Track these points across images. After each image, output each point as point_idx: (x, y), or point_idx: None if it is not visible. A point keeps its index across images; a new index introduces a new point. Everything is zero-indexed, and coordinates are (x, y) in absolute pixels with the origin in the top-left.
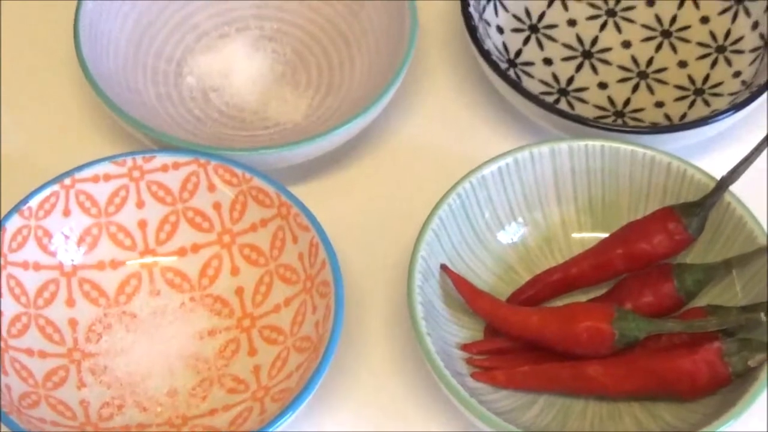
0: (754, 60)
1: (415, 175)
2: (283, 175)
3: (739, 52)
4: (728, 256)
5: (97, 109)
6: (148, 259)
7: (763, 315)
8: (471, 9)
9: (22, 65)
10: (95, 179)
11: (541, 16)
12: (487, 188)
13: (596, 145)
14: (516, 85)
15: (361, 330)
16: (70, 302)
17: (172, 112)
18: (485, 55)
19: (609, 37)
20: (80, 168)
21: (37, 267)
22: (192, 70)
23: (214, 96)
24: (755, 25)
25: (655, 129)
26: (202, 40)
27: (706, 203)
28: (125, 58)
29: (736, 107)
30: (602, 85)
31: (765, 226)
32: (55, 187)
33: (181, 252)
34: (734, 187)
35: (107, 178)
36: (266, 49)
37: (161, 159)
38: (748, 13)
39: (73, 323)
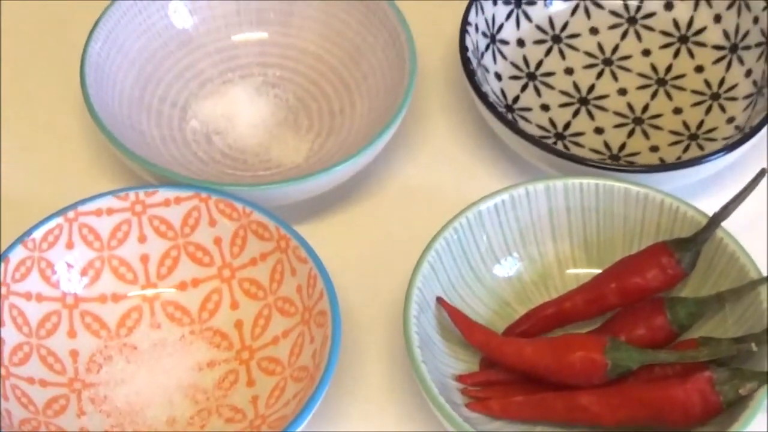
0: (747, 106)
1: (414, 214)
2: (284, 214)
3: (733, 99)
4: (721, 290)
5: (103, 148)
6: (150, 292)
7: (753, 345)
8: (470, 54)
9: (30, 103)
10: (98, 213)
11: (539, 64)
12: (483, 223)
13: (591, 183)
14: (513, 127)
15: (358, 361)
16: (72, 333)
17: (176, 154)
18: (483, 97)
19: (605, 85)
20: (83, 201)
21: (40, 298)
22: (196, 114)
23: (217, 139)
24: (748, 73)
25: (649, 168)
26: (206, 86)
27: (699, 239)
28: (130, 100)
29: (728, 148)
30: (598, 130)
31: (759, 261)
32: (59, 220)
33: (182, 286)
34: (730, 225)
35: (110, 212)
36: (269, 95)
37: (163, 194)
38: (741, 61)
39: (74, 354)
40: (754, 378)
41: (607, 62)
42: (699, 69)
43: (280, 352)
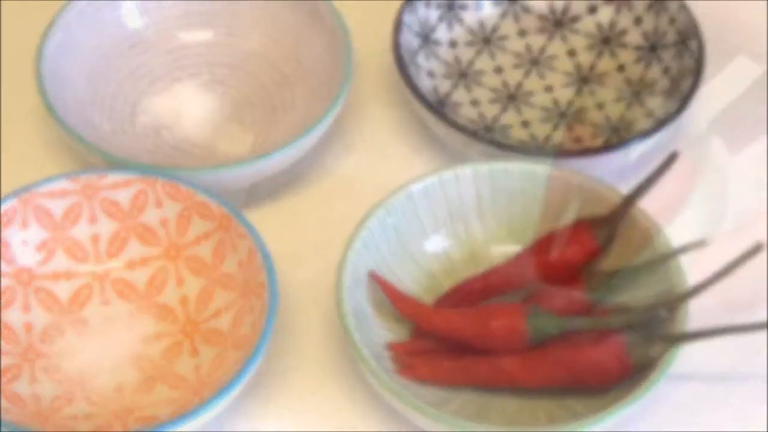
0: (665, 101)
1: (353, 199)
2: (231, 201)
3: (652, 94)
4: (636, 263)
5: (57, 139)
6: (100, 270)
7: (663, 312)
8: (403, 52)
9: None
10: (52, 195)
11: (470, 64)
12: (414, 204)
13: (515, 167)
14: (445, 118)
15: (297, 335)
16: (26, 308)
17: (126, 146)
18: (416, 92)
19: (533, 83)
20: (38, 184)
21: None
22: (146, 109)
23: (166, 132)
24: (666, 70)
25: (570, 153)
26: (156, 84)
27: (614, 217)
28: (83, 96)
29: (642, 136)
30: (525, 124)
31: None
32: (14, 201)
33: (131, 264)
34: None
35: (63, 194)
36: (216, 91)
37: (113, 177)
38: (659, 59)
39: (28, 327)
40: (663, 341)
41: (534, 62)
42: (621, 68)
43: (222, 324)
